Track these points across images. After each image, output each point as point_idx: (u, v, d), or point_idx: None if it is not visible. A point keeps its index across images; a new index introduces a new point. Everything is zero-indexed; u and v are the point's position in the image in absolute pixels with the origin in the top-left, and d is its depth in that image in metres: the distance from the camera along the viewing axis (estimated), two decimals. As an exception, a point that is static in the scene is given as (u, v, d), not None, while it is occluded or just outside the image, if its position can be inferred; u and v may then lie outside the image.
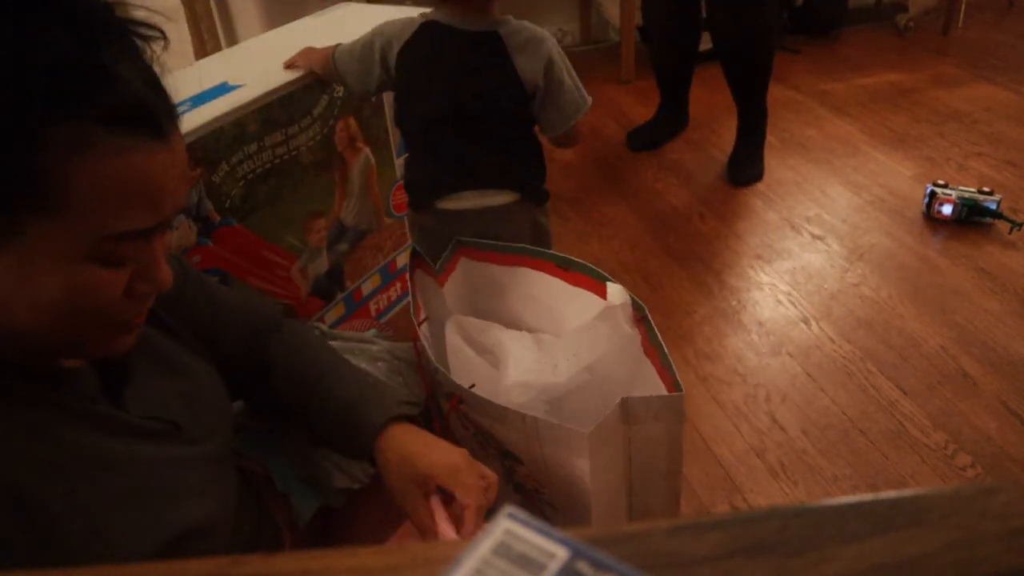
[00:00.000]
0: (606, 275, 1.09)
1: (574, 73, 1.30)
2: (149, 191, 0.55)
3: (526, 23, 1.27)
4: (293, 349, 0.90)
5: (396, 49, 1.28)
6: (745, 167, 2.43)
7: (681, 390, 0.92)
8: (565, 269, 1.15)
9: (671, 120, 2.70)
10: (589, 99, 1.31)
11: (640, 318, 1.03)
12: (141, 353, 0.68)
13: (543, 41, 1.25)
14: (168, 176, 0.56)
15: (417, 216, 1.37)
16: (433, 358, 1.02)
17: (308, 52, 1.41)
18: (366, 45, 1.31)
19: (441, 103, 1.26)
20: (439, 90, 1.26)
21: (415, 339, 1.06)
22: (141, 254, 0.58)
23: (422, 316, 1.14)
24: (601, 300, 1.09)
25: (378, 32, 1.30)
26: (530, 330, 1.19)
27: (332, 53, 1.35)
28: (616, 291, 1.04)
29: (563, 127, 1.30)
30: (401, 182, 1.72)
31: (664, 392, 0.97)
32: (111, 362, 0.66)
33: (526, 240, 1.32)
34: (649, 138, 2.67)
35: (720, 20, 2.31)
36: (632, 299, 1.04)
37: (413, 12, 1.34)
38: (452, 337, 1.12)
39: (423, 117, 1.29)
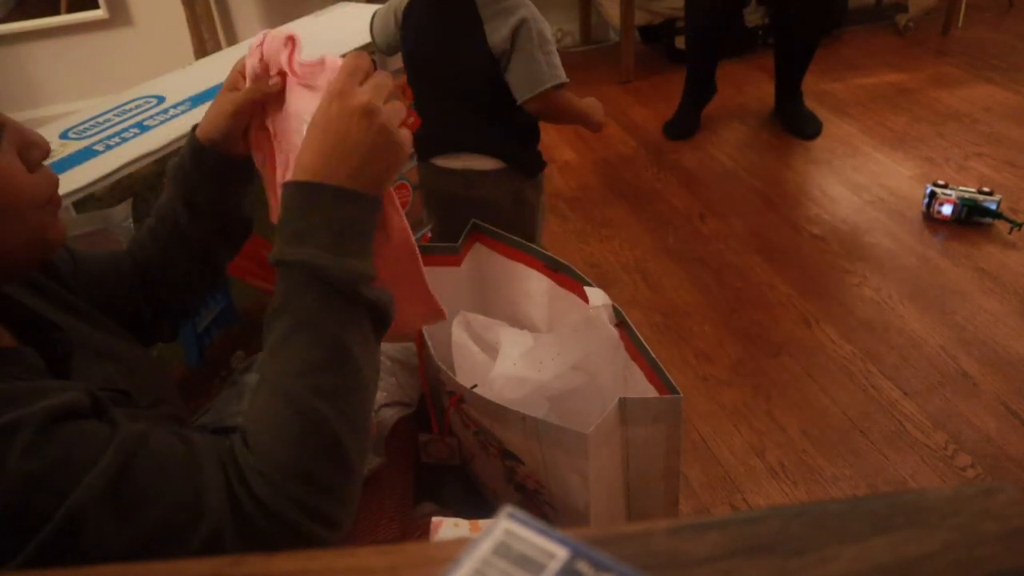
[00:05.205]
0: (586, 279, 1.10)
1: (552, 52, 1.28)
2: None
3: None
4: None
5: (401, 15, 1.36)
6: (811, 122, 2.66)
7: (676, 393, 0.91)
8: (554, 271, 1.15)
9: (699, 106, 2.75)
10: (561, 77, 1.28)
11: (619, 323, 1.03)
12: (77, 344, 0.71)
13: (516, 11, 1.25)
14: None
15: (419, 168, 1.46)
16: (435, 356, 1.02)
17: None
18: (388, 5, 1.40)
19: (427, 69, 1.34)
20: (425, 55, 1.34)
21: (417, 337, 1.06)
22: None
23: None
24: (584, 303, 1.10)
25: None
26: (526, 327, 1.18)
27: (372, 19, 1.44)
28: (596, 294, 1.04)
29: (524, 95, 1.28)
30: (402, 181, 1.72)
31: (654, 395, 0.97)
32: (51, 346, 0.69)
33: (505, 209, 1.36)
34: (685, 128, 2.71)
35: None
36: (612, 304, 1.05)
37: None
38: (458, 334, 1.11)
39: (417, 81, 1.37)
